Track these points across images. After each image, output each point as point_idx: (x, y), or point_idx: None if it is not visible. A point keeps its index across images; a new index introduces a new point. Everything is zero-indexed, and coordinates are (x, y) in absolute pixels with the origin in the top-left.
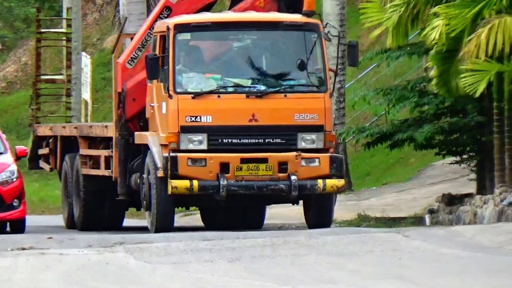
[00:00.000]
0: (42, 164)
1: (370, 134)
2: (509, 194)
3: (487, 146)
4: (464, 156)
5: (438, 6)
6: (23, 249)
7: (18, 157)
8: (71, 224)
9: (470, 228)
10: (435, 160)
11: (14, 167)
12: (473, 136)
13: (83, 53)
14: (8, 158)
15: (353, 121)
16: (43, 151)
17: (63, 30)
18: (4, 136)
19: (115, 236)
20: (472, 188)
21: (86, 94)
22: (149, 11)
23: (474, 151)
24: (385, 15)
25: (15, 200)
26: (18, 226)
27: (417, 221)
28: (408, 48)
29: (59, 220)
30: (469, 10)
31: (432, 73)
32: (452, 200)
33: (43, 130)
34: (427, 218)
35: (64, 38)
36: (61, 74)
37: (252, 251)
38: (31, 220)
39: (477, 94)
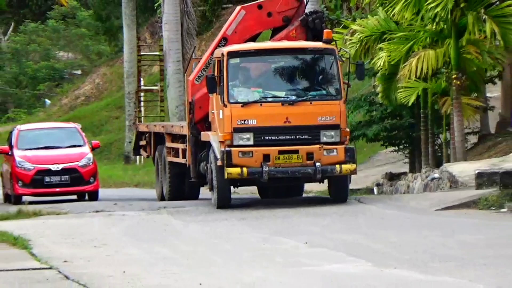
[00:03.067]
0: (142, 152)
1: None
2: (431, 173)
3: (416, 139)
4: (401, 147)
5: (382, 43)
6: (97, 211)
7: (93, 148)
8: (161, 198)
9: (405, 196)
10: (381, 150)
11: (90, 155)
12: (407, 133)
13: None
14: (86, 149)
15: None
16: (142, 142)
17: (157, 53)
18: (83, 134)
19: (161, 203)
20: (406, 168)
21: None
22: (183, 47)
23: (407, 143)
24: (346, 49)
25: (91, 177)
26: (93, 196)
27: (368, 191)
28: (350, 69)
29: (121, 191)
30: (403, 46)
31: (378, 89)
32: (392, 177)
33: (142, 127)
34: (375, 189)
35: (158, 59)
36: (156, 85)
37: (255, 213)
38: (102, 192)
39: (410, 104)
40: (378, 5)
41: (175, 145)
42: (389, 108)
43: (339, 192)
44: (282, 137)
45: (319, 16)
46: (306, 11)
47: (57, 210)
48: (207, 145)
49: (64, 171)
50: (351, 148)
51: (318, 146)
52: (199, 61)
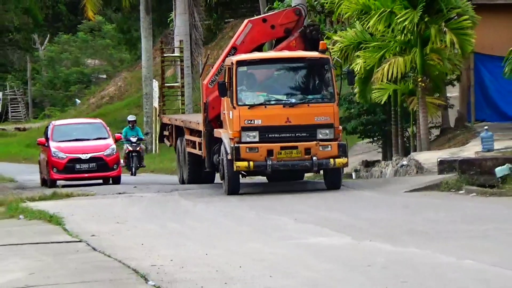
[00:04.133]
0: (165, 141)
1: None
2: (400, 160)
3: (388, 132)
4: (375, 139)
5: (359, 51)
6: (119, 193)
7: (116, 140)
8: (182, 182)
9: (378, 180)
10: (358, 141)
11: (114, 146)
12: (380, 127)
13: (154, 80)
14: (110, 140)
15: None
16: (166, 132)
17: (178, 54)
18: (108, 128)
19: (174, 186)
20: (379, 157)
21: (155, 104)
22: (192, 56)
23: (380, 136)
24: (338, 59)
25: (115, 165)
26: (116, 181)
27: (348, 176)
28: (342, 75)
29: (140, 177)
30: (377, 53)
31: (356, 90)
32: (368, 164)
33: (165, 119)
34: (354, 175)
35: (179, 59)
36: (177, 82)
37: (254, 195)
38: (123, 177)
39: (382, 102)
40: (355, 19)
41: (192, 138)
42: (365, 106)
43: (333, 182)
44: (283, 135)
45: (316, 28)
46: (304, 24)
47: (86, 192)
48: (220, 140)
49: (91, 160)
50: (343, 144)
51: (314, 142)
52: (212, 67)
